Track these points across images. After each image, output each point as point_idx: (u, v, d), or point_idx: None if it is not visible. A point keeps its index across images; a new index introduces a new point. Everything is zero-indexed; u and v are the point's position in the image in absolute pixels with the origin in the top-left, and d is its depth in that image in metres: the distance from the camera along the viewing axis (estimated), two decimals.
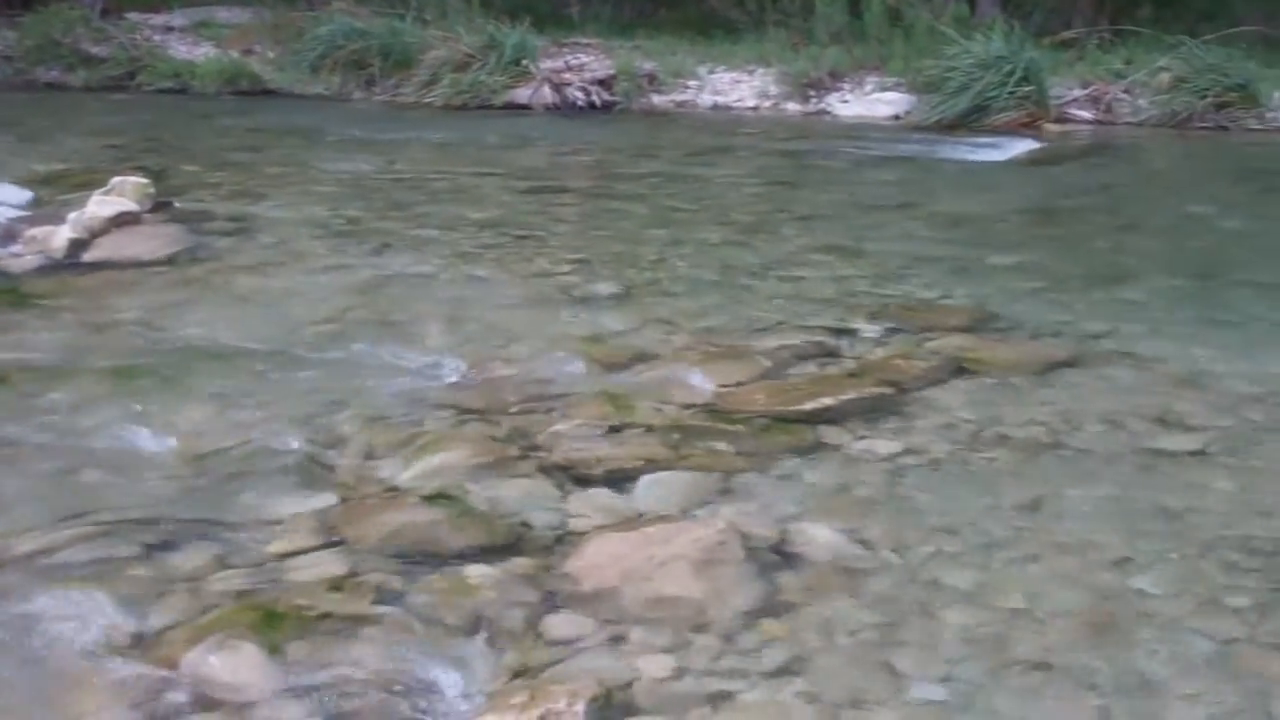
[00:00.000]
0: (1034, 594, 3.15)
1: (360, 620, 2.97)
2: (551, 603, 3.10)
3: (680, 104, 14.17)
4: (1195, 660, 2.87)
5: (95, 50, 15.33)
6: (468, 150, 11.07)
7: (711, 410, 4.40)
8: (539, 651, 2.89)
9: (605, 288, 6.01)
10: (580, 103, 13.76)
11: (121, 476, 3.78)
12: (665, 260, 6.65)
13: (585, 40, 15.60)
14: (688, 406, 4.42)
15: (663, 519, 3.53)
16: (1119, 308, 5.80)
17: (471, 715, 2.65)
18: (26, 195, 7.91)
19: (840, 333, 5.31)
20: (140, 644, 2.87)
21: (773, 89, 14.11)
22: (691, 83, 14.47)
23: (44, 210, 7.38)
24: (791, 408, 4.39)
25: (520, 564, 3.28)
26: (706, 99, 14.22)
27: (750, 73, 14.56)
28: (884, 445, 4.10)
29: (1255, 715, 2.67)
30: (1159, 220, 8.29)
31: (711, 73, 14.66)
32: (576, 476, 3.83)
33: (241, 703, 2.67)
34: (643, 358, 4.94)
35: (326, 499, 3.64)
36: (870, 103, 13.57)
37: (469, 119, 12.98)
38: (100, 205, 6.77)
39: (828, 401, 4.42)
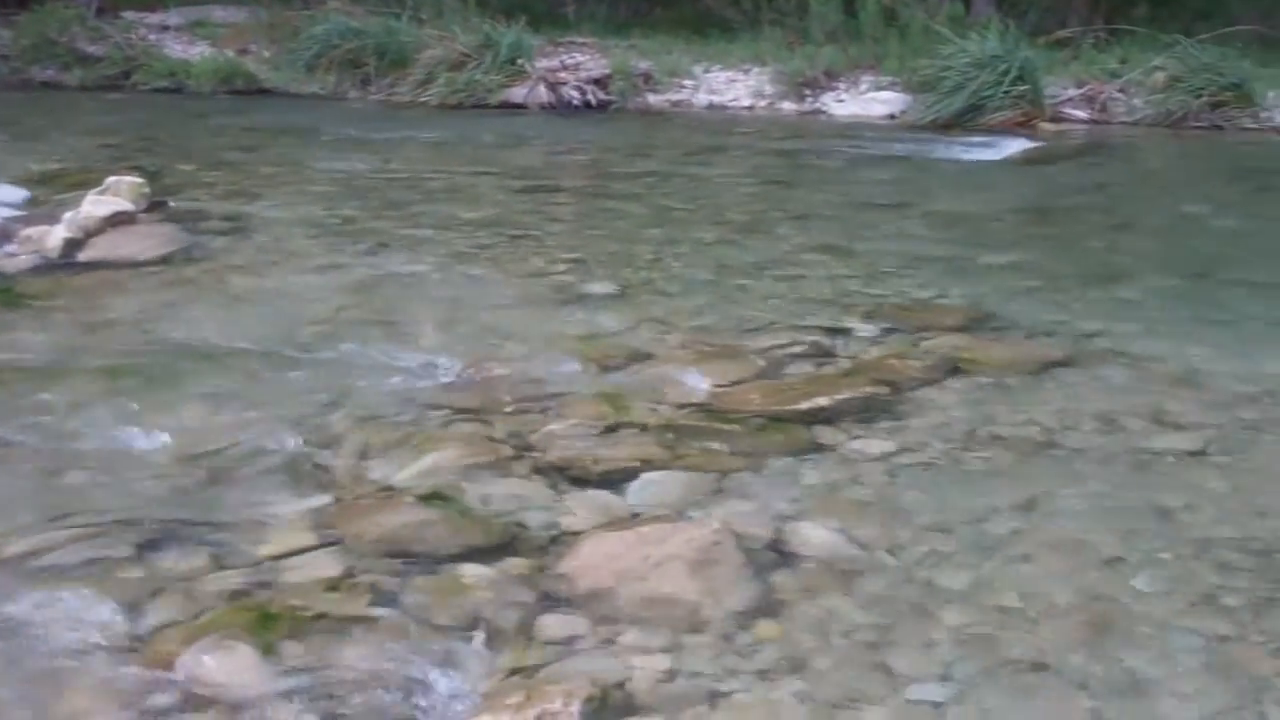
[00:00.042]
0: (1028, 593, 3.15)
1: (355, 621, 2.97)
2: (547, 603, 3.10)
3: (676, 103, 14.17)
4: (1189, 660, 2.87)
5: (91, 49, 15.32)
6: (463, 149, 11.07)
7: (707, 410, 4.40)
8: (534, 651, 2.89)
9: (601, 287, 6.01)
10: (576, 102, 13.75)
11: (116, 476, 3.78)
12: (661, 260, 6.65)
13: (581, 39, 15.59)
14: (683, 406, 4.42)
15: (658, 519, 3.53)
16: (1114, 307, 5.81)
17: (467, 715, 2.64)
18: (22, 194, 7.91)
19: (835, 332, 5.31)
20: (135, 644, 2.87)
21: (768, 88, 14.11)
22: (687, 82, 14.47)
23: (39, 210, 7.38)
24: (787, 407, 4.39)
25: (515, 564, 3.28)
26: (702, 98, 14.22)
27: (745, 72, 14.56)
28: (879, 445, 4.10)
29: (1249, 715, 2.67)
30: (1154, 219, 8.30)
31: (707, 72, 14.66)
32: (572, 476, 3.83)
33: (236, 703, 2.67)
34: (638, 357, 4.94)
35: (321, 499, 3.64)
36: (865, 102, 13.57)
37: (464, 118, 12.97)
38: (95, 205, 6.76)
39: (823, 401, 4.43)
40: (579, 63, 14.49)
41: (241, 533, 3.42)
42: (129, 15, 16.74)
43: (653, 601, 3.08)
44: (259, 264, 6.44)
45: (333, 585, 3.15)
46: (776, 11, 15.34)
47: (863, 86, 13.84)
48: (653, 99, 14.16)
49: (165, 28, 16.65)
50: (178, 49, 15.82)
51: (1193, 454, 4.08)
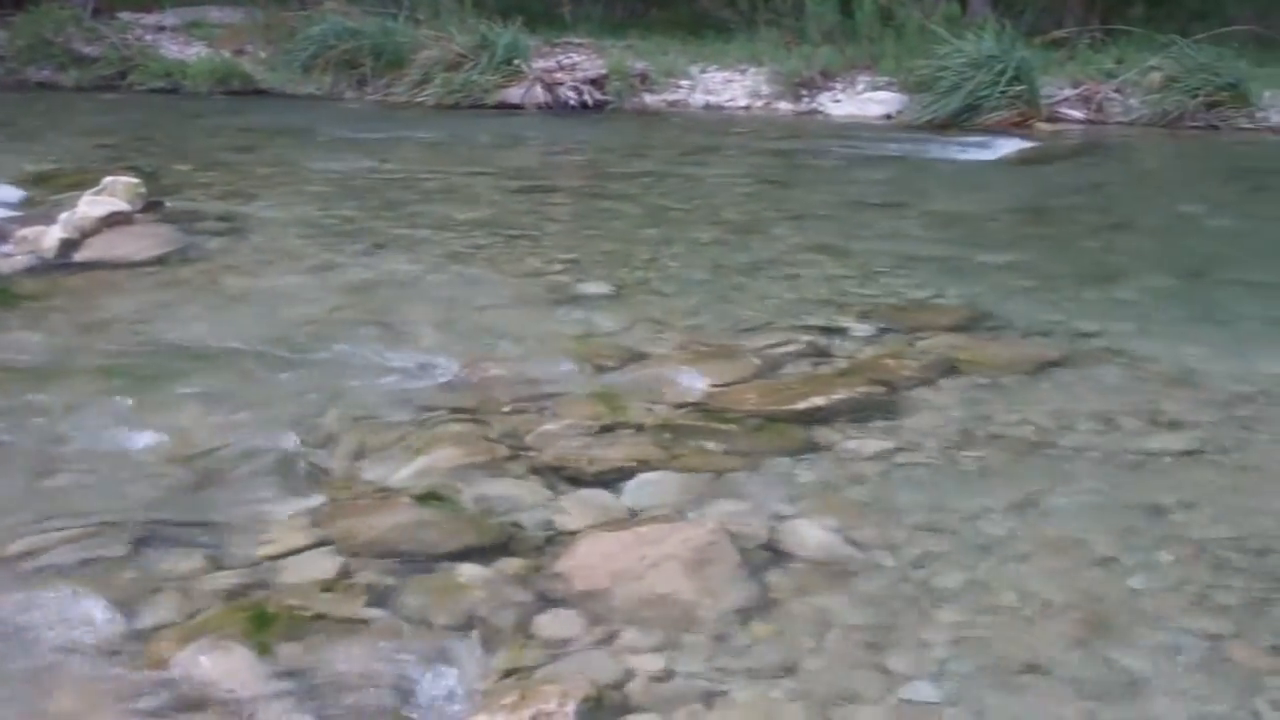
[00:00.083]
0: (1024, 593, 3.16)
1: (351, 621, 2.97)
2: (543, 603, 3.10)
3: (672, 103, 14.17)
4: (1185, 659, 2.87)
5: (87, 50, 15.31)
6: (459, 150, 11.07)
7: (703, 410, 4.40)
8: (530, 651, 2.89)
9: (597, 287, 6.01)
10: (572, 102, 13.75)
11: (111, 477, 3.78)
12: (657, 260, 6.65)
13: (577, 40, 15.59)
14: (679, 406, 4.42)
15: (654, 519, 3.53)
16: (1110, 307, 5.81)
17: (463, 715, 2.65)
18: (18, 195, 7.90)
19: (832, 332, 5.31)
20: (131, 645, 2.87)
21: (764, 88, 14.12)
22: (683, 82, 14.47)
23: (35, 210, 7.38)
24: (783, 407, 4.39)
25: (512, 564, 3.28)
26: (698, 98, 14.23)
27: (742, 72, 14.57)
28: (875, 445, 4.10)
29: (1244, 714, 2.67)
30: (1150, 219, 8.30)
31: (703, 72, 14.66)
32: (568, 476, 3.83)
33: (232, 704, 2.66)
34: (634, 357, 4.95)
35: (317, 499, 3.64)
36: (862, 102, 13.58)
37: (461, 118, 12.96)
38: (91, 205, 6.76)
39: (819, 401, 4.43)
40: (575, 63, 14.49)
41: (237, 533, 3.42)
42: (125, 16, 16.73)
43: (649, 601, 3.08)
44: (255, 264, 6.44)
45: (329, 585, 3.15)
46: (773, 12, 15.34)
47: (859, 86, 13.85)
48: (649, 99, 14.16)
49: (161, 28, 16.63)
50: (174, 49, 15.81)
51: (1188, 453, 4.09)
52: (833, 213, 8.21)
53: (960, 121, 12.38)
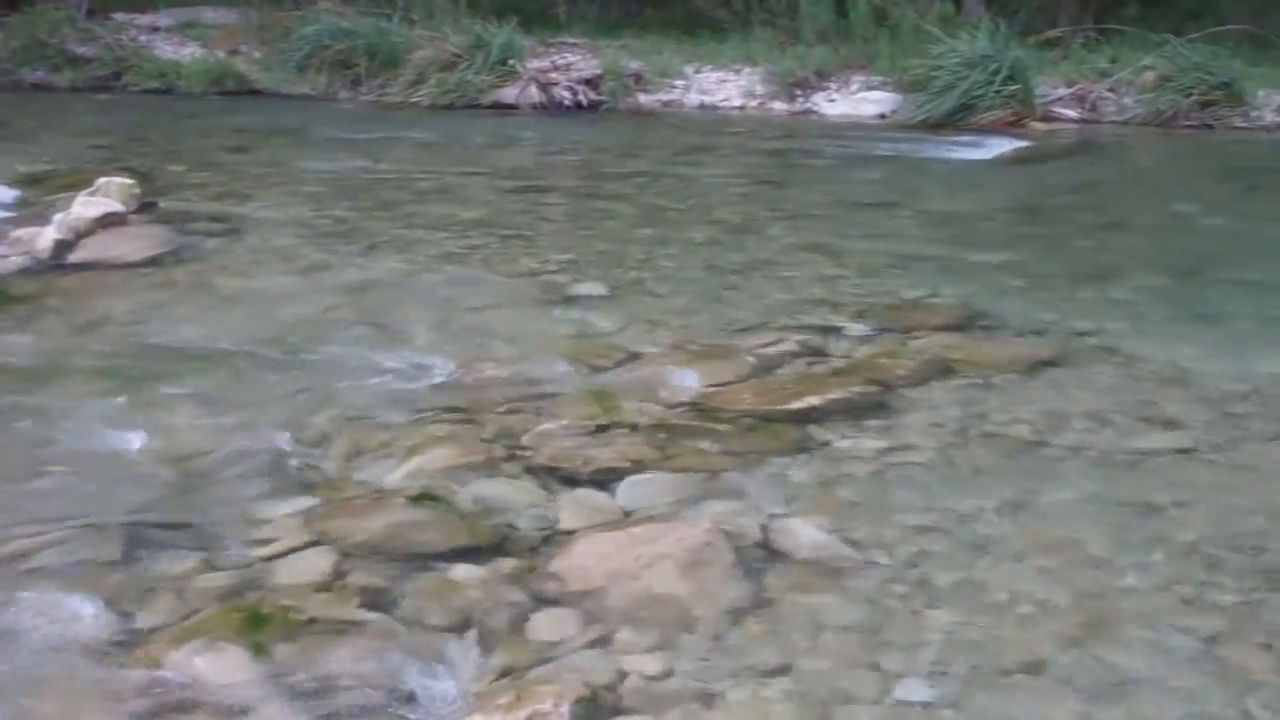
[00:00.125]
0: (1019, 592, 3.16)
1: (346, 621, 2.96)
2: (538, 603, 3.10)
3: (667, 103, 14.16)
4: (1180, 658, 2.88)
5: (81, 50, 15.27)
6: (454, 150, 11.06)
7: (698, 410, 4.40)
8: (525, 652, 2.89)
9: (592, 287, 6.01)
10: (567, 102, 13.74)
11: (105, 478, 3.77)
12: (652, 260, 6.65)
13: (572, 40, 15.59)
14: (674, 406, 4.42)
15: (649, 519, 3.53)
16: (1104, 306, 5.82)
17: (457, 716, 2.65)
18: (12, 196, 7.89)
19: (826, 332, 5.32)
20: (125, 646, 2.87)
21: (759, 88, 14.11)
22: (678, 82, 14.47)
23: (29, 211, 7.36)
24: (778, 407, 4.39)
25: (506, 564, 3.28)
26: (693, 98, 14.22)
27: (736, 72, 14.56)
28: (870, 444, 4.11)
29: (1239, 713, 2.68)
30: (1144, 219, 8.31)
31: (698, 72, 14.66)
32: (563, 476, 3.83)
33: (227, 704, 2.66)
34: (629, 357, 4.95)
35: (312, 500, 3.64)
36: (856, 102, 13.58)
37: (456, 119, 12.96)
38: (86, 206, 6.76)
39: (814, 401, 4.43)
40: (570, 63, 14.49)
41: (231, 534, 3.42)
42: (119, 17, 16.70)
43: (644, 601, 3.08)
44: (249, 265, 6.44)
45: (323, 586, 3.15)
46: (767, 12, 15.35)
47: (854, 86, 13.84)
48: (644, 99, 14.15)
49: (156, 29, 16.61)
50: (168, 50, 15.78)
51: (1182, 452, 4.09)
52: (827, 212, 8.21)
53: (955, 121, 12.38)
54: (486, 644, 2.91)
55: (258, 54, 15.32)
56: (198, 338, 5.15)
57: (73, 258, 6.37)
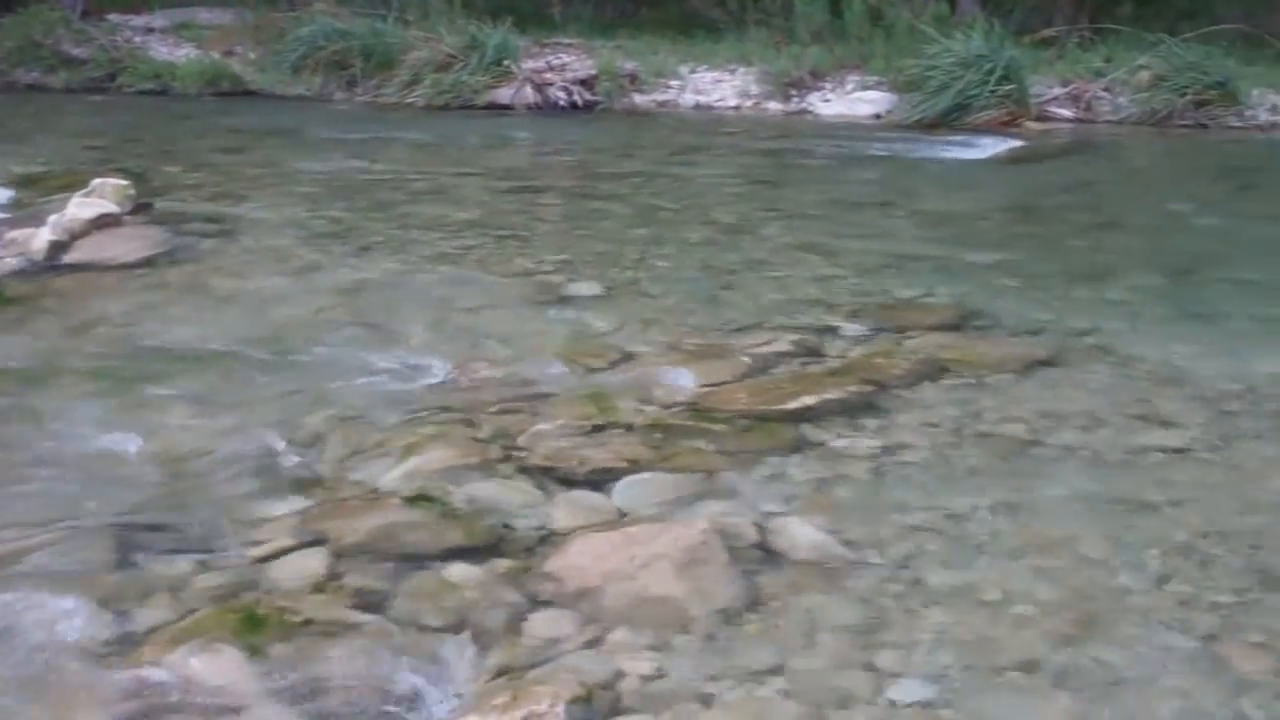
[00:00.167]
0: (1014, 591, 3.16)
1: (342, 622, 2.96)
2: (533, 603, 3.10)
3: (662, 103, 14.18)
4: (1175, 657, 2.88)
5: (76, 52, 15.28)
6: (449, 150, 11.06)
7: (693, 410, 4.39)
8: (521, 652, 2.89)
9: (587, 288, 6.00)
10: (562, 103, 13.76)
11: (100, 479, 3.76)
12: (647, 260, 6.65)
13: (567, 40, 15.60)
14: (670, 406, 4.42)
15: (645, 519, 3.53)
16: (1099, 305, 5.82)
17: (453, 716, 2.64)
18: (7, 197, 7.88)
19: (822, 331, 5.32)
20: (120, 647, 2.86)
21: (754, 88, 14.13)
22: (673, 82, 14.48)
23: (24, 212, 7.36)
24: (773, 407, 4.39)
25: (502, 565, 3.27)
26: (688, 98, 14.24)
27: (732, 72, 14.58)
28: (865, 443, 4.11)
29: (1234, 712, 2.68)
30: (1139, 218, 8.32)
31: (693, 72, 14.68)
32: (559, 477, 3.82)
33: (223, 706, 2.66)
34: (625, 357, 4.95)
35: (307, 501, 3.63)
36: (851, 102, 13.60)
37: (451, 119, 12.96)
38: (80, 207, 6.75)
39: (809, 400, 4.43)
40: (565, 63, 14.50)
41: (227, 535, 3.41)
42: (114, 18, 16.72)
43: (640, 601, 3.08)
44: (244, 266, 6.43)
45: (319, 587, 3.14)
46: (762, 12, 15.37)
47: (848, 86, 13.87)
48: (639, 99, 14.17)
49: (150, 30, 16.62)
50: (163, 51, 15.79)
51: (1178, 451, 4.09)
52: (822, 212, 8.22)
53: (949, 121, 12.41)
54: (482, 644, 2.91)
55: (253, 55, 15.33)
56: (192, 338, 5.15)
57: (67, 259, 6.36)
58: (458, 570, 3.22)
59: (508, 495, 3.68)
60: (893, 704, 2.71)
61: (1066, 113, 13.01)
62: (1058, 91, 13.22)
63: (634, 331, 5.30)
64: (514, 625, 3.00)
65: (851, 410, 4.38)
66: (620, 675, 2.79)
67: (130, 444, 3.99)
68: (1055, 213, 8.48)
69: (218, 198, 8.26)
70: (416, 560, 3.28)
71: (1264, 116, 12.65)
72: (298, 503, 3.61)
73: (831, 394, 4.50)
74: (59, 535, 3.37)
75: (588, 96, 13.91)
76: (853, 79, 13.94)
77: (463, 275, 6.28)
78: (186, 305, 5.67)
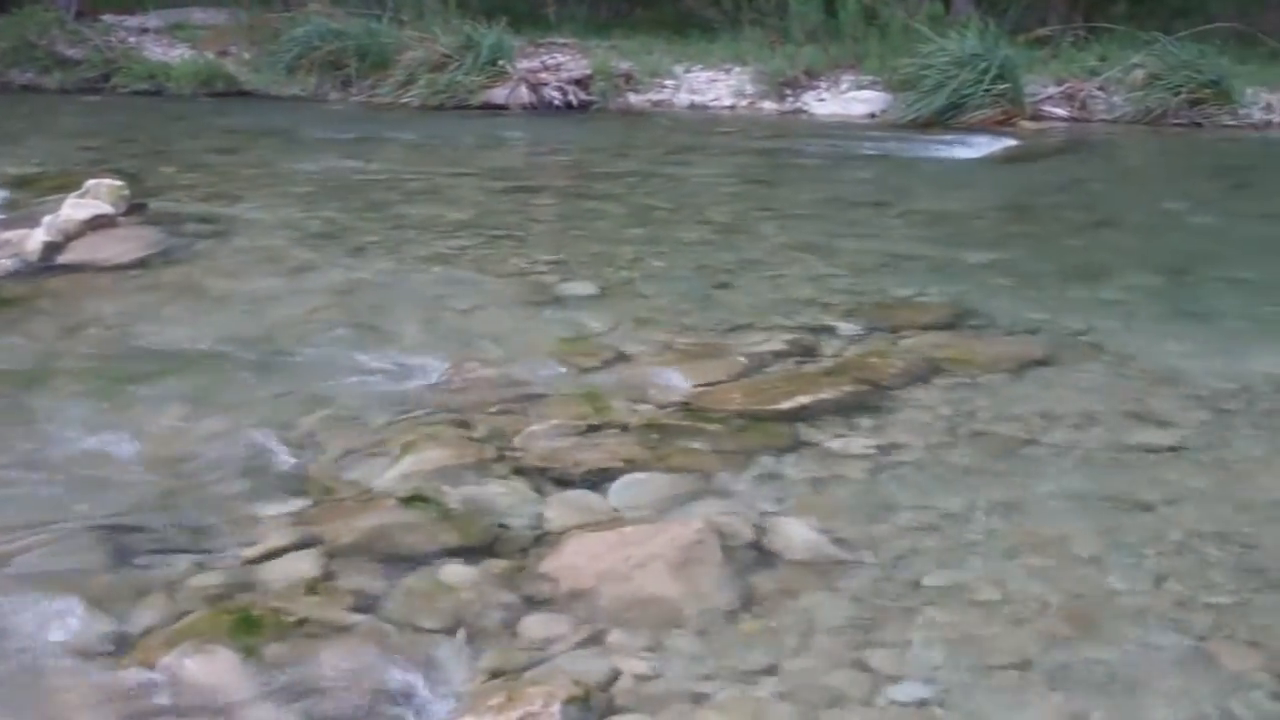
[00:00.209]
0: (1011, 591, 3.16)
1: (336, 623, 2.96)
2: (529, 603, 3.10)
3: (657, 103, 14.17)
4: (1169, 656, 2.88)
5: (70, 52, 15.26)
6: (444, 150, 11.06)
7: (689, 409, 4.39)
8: (516, 652, 2.89)
9: (582, 288, 6.00)
10: (557, 102, 13.75)
11: (94, 480, 3.76)
12: (642, 260, 6.65)
13: (562, 40, 15.58)
14: (665, 406, 4.42)
15: (640, 519, 3.53)
16: (1094, 304, 5.83)
17: (449, 717, 2.64)
18: (1, 198, 7.87)
19: (817, 331, 5.32)
20: (116, 648, 2.86)
21: (749, 88, 14.13)
22: (668, 82, 14.47)
23: (18, 213, 7.34)
24: (768, 406, 4.39)
25: (497, 565, 3.27)
26: (683, 98, 14.23)
27: (726, 72, 14.58)
28: (860, 443, 4.11)
29: (1228, 711, 2.68)
30: (1134, 217, 8.32)
31: (688, 72, 14.67)
32: (554, 477, 3.82)
33: (218, 707, 2.66)
34: (620, 357, 4.95)
35: (302, 501, 3.63)
36: (846, 101, 13.60)
37: (445, 119, 12.95)
38: (75, 208, 6.74)
39: (804, 400, 4.43)
40: (560, 63, 14.49)
41: (222, 536, 3.41)
42: (108, 18, 16.69)
43: (635, 601, 3.08)
44: (239, 266, 6.43)
45: (314, 588, 3.14)
46: (757, 11, 15.36)
47: (843, 86, 13.86)
48: (634, 99, 14.16)
49: (145, 30, 16.59)
50: (157, 51, 15.77)
51: (1172, 450, 4.10)
52: (817, 211, 8.22)
53: (944, 120, 12.40)
54: (477, 645, 2.91)
55: (247, 55, 15.31)
56: (187, 339, 5.14)
57: (62, 260, 6.36)
58: (452, 571, 3.22)
59: (503, 495, 3.68)
60: (888, 704, 2.71)
61: (1061, 112, 13.01)
62: (1052, 90, 13.22)
63: (629, 331, 5.30)
64: (509, 626, 3.00)
65: (846, 410, 4.38)
66: (615, 675, 2.79)
67: (124, 445, 3.99)
68: (1050, 212, 8.48)
69: (212, 198, 8.26)
70: (411, 561, 3.28)
71: (1258, 115, 12.66)
72: (292, 503, 3.61)
73: (826, 393, 4.50)
74: (53, 536, 3.36)
75: (583, 96, 13.90)
76: (847, 78, 13.94)
77: (457, 275, 6.28)
78: (181, 306, 5.66)
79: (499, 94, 13.75)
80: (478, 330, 5.32)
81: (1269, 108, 12.76)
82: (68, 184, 7.53)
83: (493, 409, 4.37)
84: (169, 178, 9.05)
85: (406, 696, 2.71)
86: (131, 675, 2.74)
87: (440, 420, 4.25)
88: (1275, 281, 6.27)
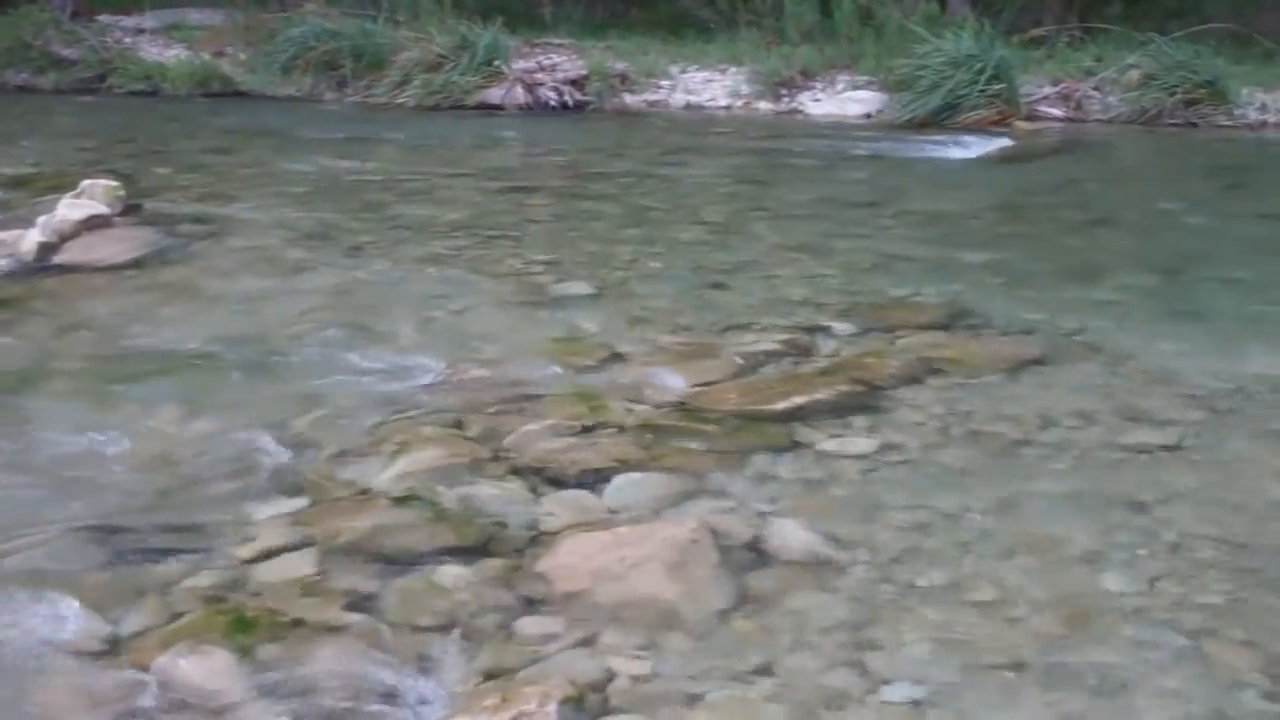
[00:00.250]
0: (1006, 591, 3.16)
1: (332, 623, 2.96)
2: (524, 604, 3.10)
3: (653, 104, 14.17)
4: (1165, 656, 2.88)
5: (66, 53, 15.26)
6: (440, 151, 11.05)
7: (684, 410, 4.39)
8: (511, 652, 2.89)
9: (578, 288, 6.00)
10: (553, 103, 13.75)
11: (89, 480, 3.76)
12: (638, 260, 6.65)
13: (557, 40, 15.60)
14: (660, 406, 4.42)
15: (635, 519, 3.53)
16: (1089, 304, 5.83)
17: (444, 717, 2.64)
18: None
19: (812, 331, 5.32)
20: (111, 649, 2.86)
21: (745, 88, 14.13)
22: (664, 82, 14.48)
23: (13, 214, 7.34)
24: (764, 407, 4.39)
25: (493, 565, 3.27)
26: (679, 98, 14.23)
27: (722, 72, 14.58)
28: (856, 443, 4.11)
29: (1223, 711, 2.68)
30: (1129, 217, 8.33)
31: (684, 72, 14.67)
32: (549, 477, 3.82)
33: (213, 707, 2.66)
34: (615, 358, 4.95)
35: (297, 502, 3.63)
36: (842, 101, 13.60)
37: (441, 120, 12.95)
38: (70, 208, 6.74)
39: (800, 400, 4.43)
40: (556, 64, 14.50)
41: (217, 536, 3.41)
42: (104, 18, 16.70)
43: (630, 602, 3.08)
44: (234, 267, 6.42)
45: (309, 588, 3.14)
46: (752, 12, 15.36)
47: (839, 86, 13.87)
48: (629, 99, 14.17)
49: (140, 31, 16.59)
50: (153, 52, 15.77)
51: (1168, 449, 4.10)
52: (813, 212, 8.22)
53: (940, 120, 12.41)
54: (472, 645, 2.91)
55: (243, 56, 15.30)
56: (182, 339, 5.14)
57: (57, 260, 6.36)
58: (448, 571, 3.22)
59: (498, 496, 3.68)
60: (884, 704, 2.71)
61: (1056, 112, 13.02)
62: (1048, 91, 13.23)
63: (624, 331, 5.29)
64: (504, 626, 3.00)
65: (842, 410, 4.38)
66: (611, 675, 2.79)
67: (119, 445, 3.99)
68: (1045, 212, 8.49)
69: (207, 199, 8.25)
70: (406, 561, 3.28)
71: (1253, 115, 12.67)
72: (288, 503, 3.61)
73: (822, 393, 4.50)
74: (47, 537, 3.36)
75: (578, 97, 13.91)
76: (843, 79, 13.95)
77: (453, 276, 6.28)
78: (176, 306, 5.66)
79: (494, 94, 13.75)
80: (473, 330, 5.32)
81: (1264, 108, 12.77)
82: (63, 184, 7.54)
83: (488, 409, 4.37)
84: (164, 178, 9.04)
85: (401, 696, 2.71)
86: (126, 676, 2.74)
87: (435, 420, 4.25)
88: (1269, 281, 6.28)
